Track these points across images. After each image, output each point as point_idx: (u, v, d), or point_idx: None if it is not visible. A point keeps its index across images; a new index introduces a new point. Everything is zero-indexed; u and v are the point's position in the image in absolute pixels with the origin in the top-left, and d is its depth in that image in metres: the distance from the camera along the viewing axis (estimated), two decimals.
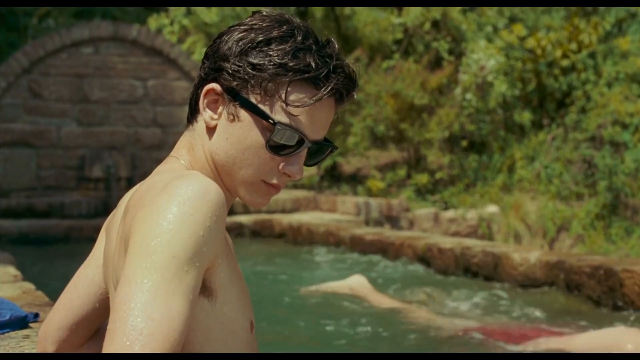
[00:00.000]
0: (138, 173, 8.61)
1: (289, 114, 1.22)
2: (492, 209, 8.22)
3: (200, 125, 1.29)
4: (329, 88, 1.22)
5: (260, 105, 1.22)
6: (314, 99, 1.22)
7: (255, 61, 1.22)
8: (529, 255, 4.85)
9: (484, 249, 5.17)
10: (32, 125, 8.59)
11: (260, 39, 1.23)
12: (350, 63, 1.28)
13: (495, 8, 10.87)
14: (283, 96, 1.21)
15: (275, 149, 1.24)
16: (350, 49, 10.70)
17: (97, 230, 1.47)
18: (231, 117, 1.24)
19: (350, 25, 12.03)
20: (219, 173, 1.28)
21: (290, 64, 1.21)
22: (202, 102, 1.26)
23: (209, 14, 11.02)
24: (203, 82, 1.27)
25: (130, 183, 8.45)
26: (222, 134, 1.25)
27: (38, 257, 6.23)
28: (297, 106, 1.22)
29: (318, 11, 11.93)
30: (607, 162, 7.62)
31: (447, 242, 5.57)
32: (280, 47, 1.22)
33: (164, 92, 9.15)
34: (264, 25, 1.25)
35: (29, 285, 2.99)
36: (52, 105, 8.68)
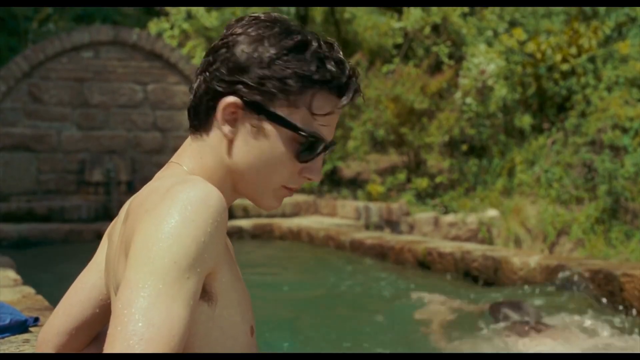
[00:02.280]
0: (138, 177, 8.61)
1: (314, 123, 1.24)
2: (492, 213, 8.22)
3: (213, 136, 1.27)
4: (351, 94, 1.26)
5: (288, 117, 1.23)
6: (339, 106, 1.25)
7: (277, 74, 1.21)
8: (529, 259, 4.84)
9: (484, 253, 5.17)
10: (33, 129, 8.60)
11: (275, 50, 1.22)
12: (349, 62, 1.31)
13: (495, 12, 10.88)
14: (309, 106, 1.23)
15: (303, 157, 1.26)
16: (351, 53, 10.71)
17: (97, 234, 1.48)
18: (254, 129, 1.24)
19: (350, 29, 12.05)
20: (236, 183, 1.28)
21: (314, 76, 1.22)
22: (220, 116, 1.24)
23: (209, 18, 11.01)
24: (216, 94, 1.25)
25: (131, 187, 8.45)
26: (243, 147, 1.25)
27: (38, 261, 6.22)
28: (323, 115, 1.24)
29: (318, 15, 11.95)
30: (607, 166, 7.61)
31: (447, 247, 5.57)
32: (298, 56, 1.22)
33: (164, 96, 9.16)
34: (273, 33, 1.24)
35: (29, 289, 2.99)
36: (52, 109, 8.69)
